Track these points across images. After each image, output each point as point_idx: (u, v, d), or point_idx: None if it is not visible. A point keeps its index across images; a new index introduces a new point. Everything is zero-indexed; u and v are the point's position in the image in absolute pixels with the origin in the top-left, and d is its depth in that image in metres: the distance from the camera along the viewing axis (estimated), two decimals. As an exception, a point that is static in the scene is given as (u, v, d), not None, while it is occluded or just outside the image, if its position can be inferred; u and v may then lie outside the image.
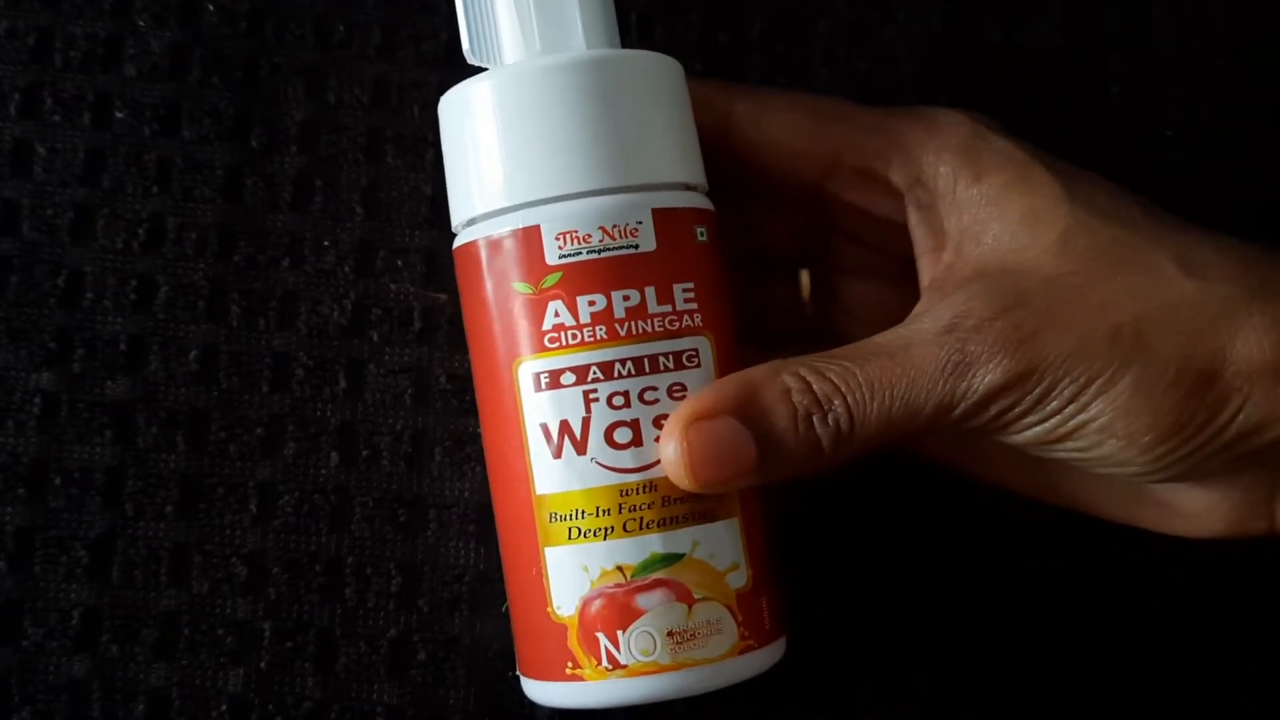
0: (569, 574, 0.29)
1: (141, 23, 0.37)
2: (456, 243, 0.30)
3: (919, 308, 0.30)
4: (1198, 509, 0.31)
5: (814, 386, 0.29)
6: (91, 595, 0.34)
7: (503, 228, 0.29)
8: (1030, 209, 0.30)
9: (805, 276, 0.36)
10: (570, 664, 0.29)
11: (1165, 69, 0.39)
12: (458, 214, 0.30)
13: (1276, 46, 0.39)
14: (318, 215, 0.37)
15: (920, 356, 0.29)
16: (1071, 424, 0.29)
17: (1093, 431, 0.29)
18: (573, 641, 0.29)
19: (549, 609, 0.29)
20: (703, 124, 0.32)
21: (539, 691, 0.30)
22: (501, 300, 0.29)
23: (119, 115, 0.37)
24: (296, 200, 0.37)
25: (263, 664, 0.34)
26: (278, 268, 0.36)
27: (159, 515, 0.35)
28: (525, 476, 0.29)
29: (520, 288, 0.29)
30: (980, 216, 0.30)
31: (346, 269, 0.36)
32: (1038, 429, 0.29)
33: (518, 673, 0.31)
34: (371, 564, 0.35)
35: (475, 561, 0.35)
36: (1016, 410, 0.29)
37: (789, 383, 0.29)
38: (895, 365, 0.29)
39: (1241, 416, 0.28)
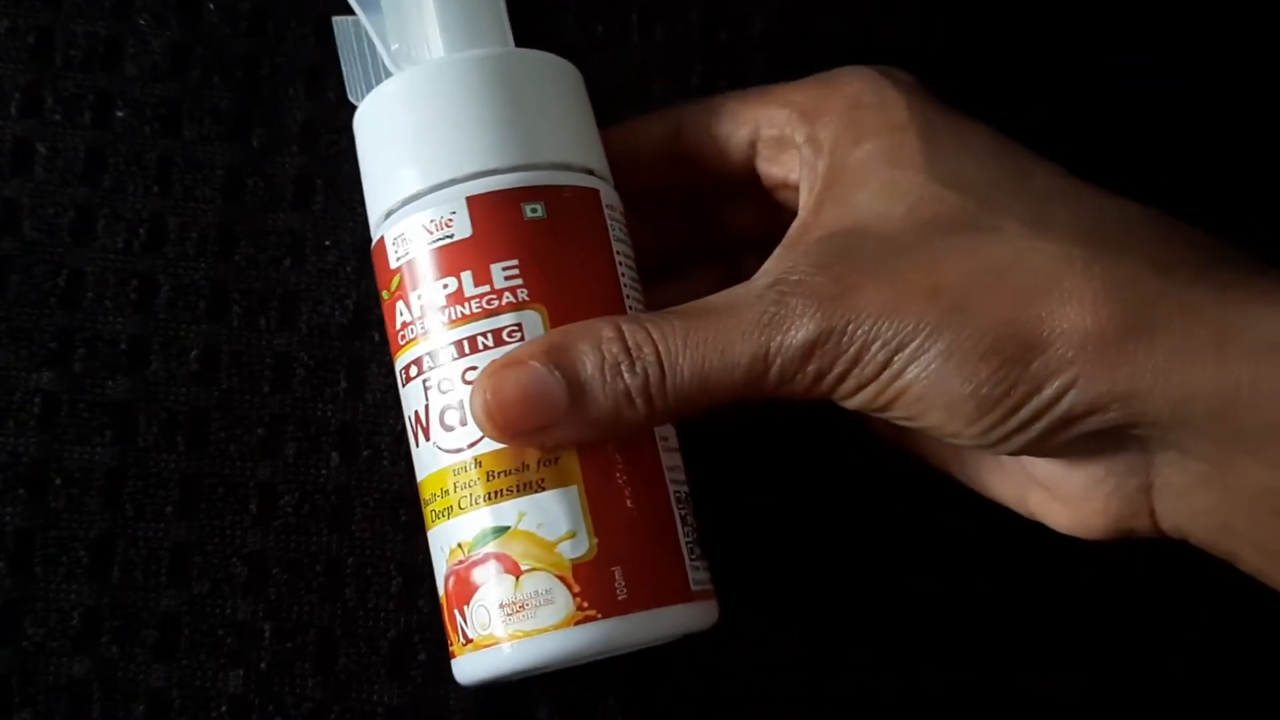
0: (436, 555, 0.30)
1: (142, 22, 0.37)
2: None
3: (762, 267, 0.30)
4: (1074, 491, 0.29)
5: (626, 335, 0.29)
6: (91, 595, 0.34)
7: (372, 244, 0.31)
8: (890, 181, 0.29)
9: None
10: (449, 641, 0.30)
11: (1165, 69, 0.39)
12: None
13: (1277, 46, 0.39)
14: (319, 215, 0.37)
15: (740, 310, 0.28)
16: (890, 390, 0.28)
17: (911, 400, 0.28)
18: (446, 620, 0.30)
19: (438, 591, 0.31)
20: (659, 135, 0.33)
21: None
22: (381, 308, 0.31)
23: (120, 114, 0.37)
24: (297, 200, 0.37)
25: (263, 664, 0.34)
26: (279, 267, 0.36)
27: (159, 515, 0.35)
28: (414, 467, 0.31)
29: (384, 295, 0.31)
30: (847, 182, 0.30)
31: (348, 269, 0.36)
32: (860, 396, 0.28)
33: None
34: (372, 564, 0.35)
35: (476, 561, 0.35)
36: (835, 372, 0.28)
37: (603, 331, 0.29)
38: (715, 319, 0.29)
39: (1072, 394, 0.26)
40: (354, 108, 0.32)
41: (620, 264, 0.31)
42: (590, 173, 0.31)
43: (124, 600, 0.34)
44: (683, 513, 0.30)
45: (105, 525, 0.34)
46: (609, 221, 0.31)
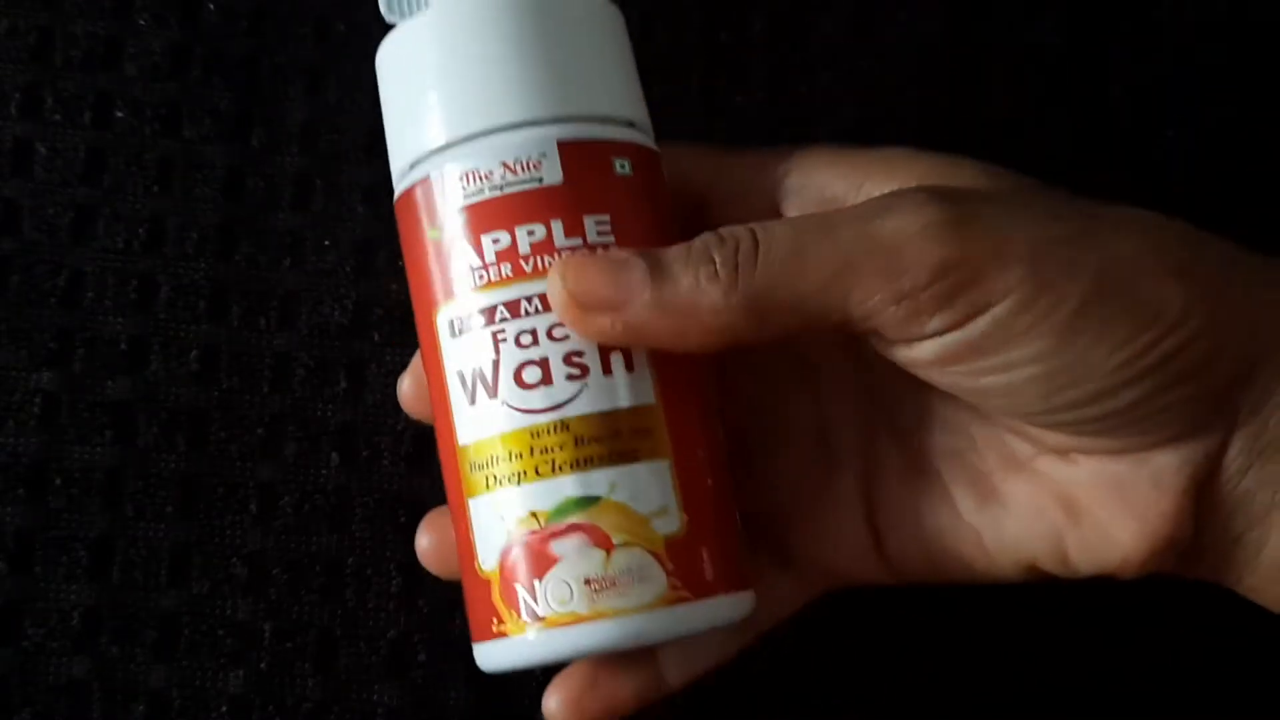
0: (489, 525, 0.27)
1: (142, 22, 0.37)
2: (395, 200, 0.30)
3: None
4: (1142, 485, 0.27)
5: (720, 229, 0.27)
6: (91, 595, 0.34)
7: (417, 177, 0.28)
8: (939, 160, 0.29)
9: None
10: (496, 620, 0.27)
11: (1165, 69, 0.39)
12: (394, 172, 0.30)
13: (1277, 46, 0.39)
14: (319, 215, 0.37)
15: (848, 206, 0.27)
16: (1041, 304, 0.25)
17: (1065, 317, 0.25)
18: (496, 596, 0.27)
19: (476, 564, 0.28)
20: None
21: (478, 655, 0.29)
22: (420, 250, 0.28)
23: (119, 115, 0.37)
24: (297, 200, 0.37)
25: (263, 664, 0.34)
26: (278, 267, 0.36)
27: (159, 515, 0.35)
28: (450, 428, 0.28)
29: (432, 234, 0.28)
30: (883, 170, 0.29)
31: (347, 269, 0.36)
32: (1005, 304, 0.25)
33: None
34: (372, 564, 0.35)
35: (476, 561, 0.35)
36: (966, 269, 0.25)
37: (697, 238, 0.27)
38: (818, 214, 0.27)
39: (1215, 330, 0.26)
40: (358, 102, 0.32)
41: (679, 234, 0.29)
42: (650, 135, 0.30)
43: (124, 600, 0.34)
44: (733, 497, 0.29)
45: (105, 525, 0.34)
46: (668, 189, 0.30)
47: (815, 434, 0.32)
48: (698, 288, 0.26)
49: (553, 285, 0.27)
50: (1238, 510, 0.27)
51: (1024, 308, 0.25)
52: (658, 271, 0.27)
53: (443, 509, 0.30)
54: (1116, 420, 0.26)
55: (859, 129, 0.38)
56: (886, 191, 0.28)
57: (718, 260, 0.26)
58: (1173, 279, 0.26)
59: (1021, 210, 0.26)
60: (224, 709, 0.34)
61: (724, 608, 0.28)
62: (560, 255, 0.27)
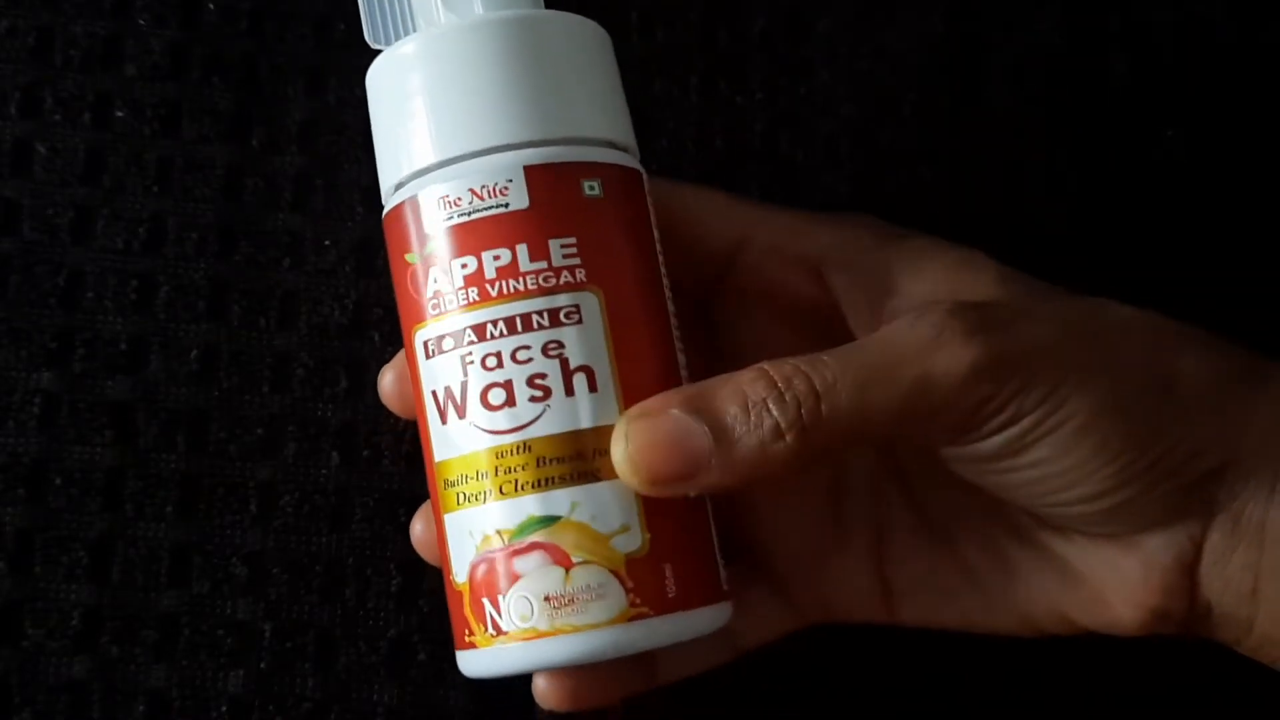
0: (460, 540, 0.28)
1: (142, 22, 0.37)
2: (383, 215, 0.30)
3: (885, 328, 0.29)
4: (1132, 569, 0.30)
5: (771, 372, 0.28)
6: (91, 595, 0.34)
7: (402, 197, 0.29)
8: (960, 258, 0.30)
9: None
10: (467, 631, 0.29)
11: (1165, 69, 0.39)
12: (382, 189, 0.30)
13: (1277, 46, 0.39)
14: (318, 215, 0.37)
15: (897, 338, 0.28)
16: (1051, 421, 0.28)
17: (1070, 432, 0.28)
18: (467, 609, 0.28)
19: (451, 576, 0.29)
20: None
21: (458, 661, 0.30)
22: (400, 272, 0.29)
23: (119, 115, 0.37)
24: (297, 200, 0.37)
25: (263, 664, 0.34)
26: (278, 267, 0.36)
27: (159, 515, 0.35)
28: (429, 445, 0.29)
29: (410, 258, 0.29)
30: (913, 265, 0.31)
31: (347, 268, 0.36)
32: (1020, 424, 0.28)
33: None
34: (371, 564, 0.35)
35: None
36: (1000, 398, 0.27)
37: (744, 376, 0.28)
38: (870, 348, 0.28)
39: (1194, 436, 0.28)
40: (358, 102, 0.32)
41: (659, 254, 0.30)
42: (631, 153, 0.30)
43: (124, 600, 0.34)
44: (712, 511, 0.30)
45: (105, 525, 0.34)
46: (649, 208, 0.30)
47: (828, 486, 0.33)
48: (762, 447, 0.27)
49: (621, 468, 0.28)
50: (1225, 591, 0.29)
51: (1036, 425, 0.28)
52: (720, 435, 0.27)
53: None
54: (1108, 514, 0.29)
55: (859, 129, 0.38)
56: (919, 295, 0.30)
57: (781, 421, 0.27)
58: (1162, 396, 0.28)
59: (1043, 329, 0.29)
60: (224, 709, 0.34)
61: (691, 621, 0.28)
62: (525, 281, 0.28)
